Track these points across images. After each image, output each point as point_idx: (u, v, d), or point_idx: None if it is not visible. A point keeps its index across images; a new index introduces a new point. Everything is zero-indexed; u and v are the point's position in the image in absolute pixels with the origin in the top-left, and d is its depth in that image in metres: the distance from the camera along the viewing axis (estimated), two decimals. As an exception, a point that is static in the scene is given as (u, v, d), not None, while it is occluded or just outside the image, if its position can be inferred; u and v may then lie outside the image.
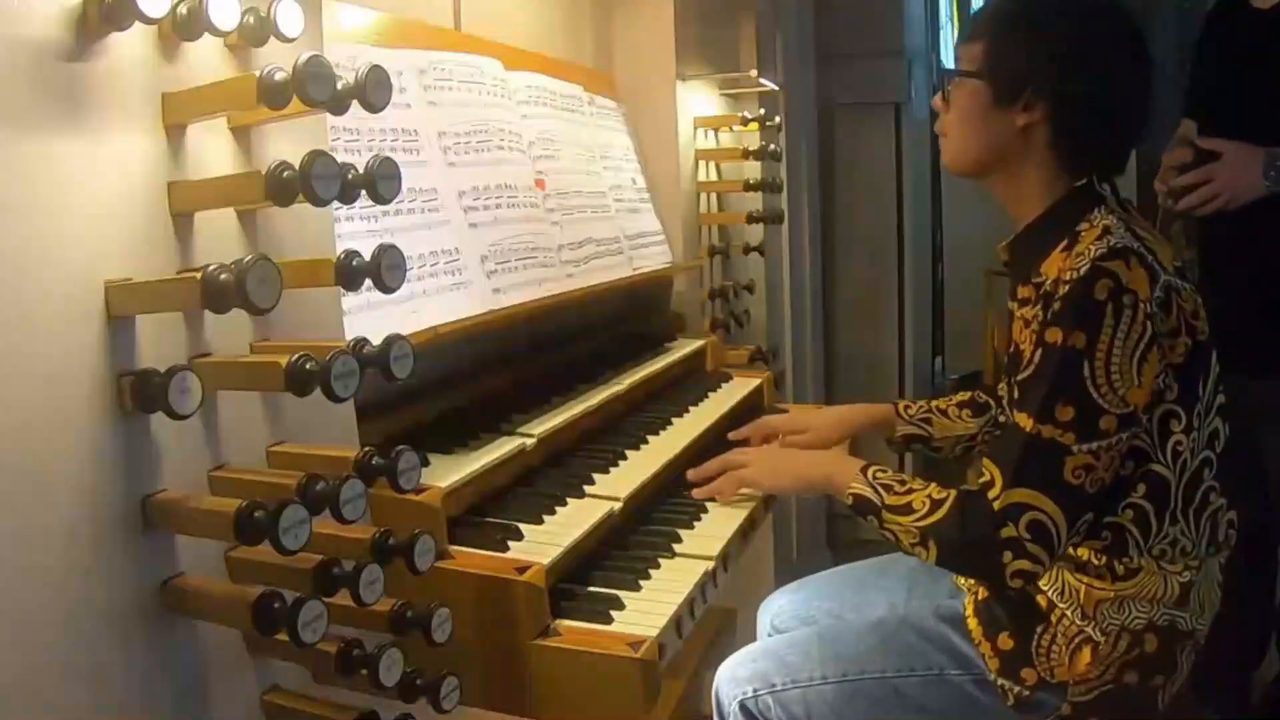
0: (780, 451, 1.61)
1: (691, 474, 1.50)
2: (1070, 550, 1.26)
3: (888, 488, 1.30)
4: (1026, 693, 1.30)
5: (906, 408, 1.69)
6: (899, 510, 1.28)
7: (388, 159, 0.87)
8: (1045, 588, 1.29)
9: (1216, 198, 1.88)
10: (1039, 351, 1.22)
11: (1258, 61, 1.96)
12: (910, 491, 1.28)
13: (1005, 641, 1.31)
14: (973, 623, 1.35)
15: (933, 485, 1.27)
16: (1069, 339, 1.18)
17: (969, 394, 1.69)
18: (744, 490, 1.47)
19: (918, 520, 1.25)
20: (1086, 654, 1.26)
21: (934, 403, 1.69)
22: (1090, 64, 1.28)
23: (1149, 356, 1.18)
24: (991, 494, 1.21)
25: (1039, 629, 1.29)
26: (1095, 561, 1.27)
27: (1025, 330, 1.31)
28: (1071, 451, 1.18)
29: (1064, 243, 1.27)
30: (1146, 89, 1.31)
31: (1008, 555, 1.19)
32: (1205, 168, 1.89)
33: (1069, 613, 1.27)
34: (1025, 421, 1.21)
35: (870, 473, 1.33)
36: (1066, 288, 1.20)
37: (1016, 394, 1.25)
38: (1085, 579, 1.27)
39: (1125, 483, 1.25)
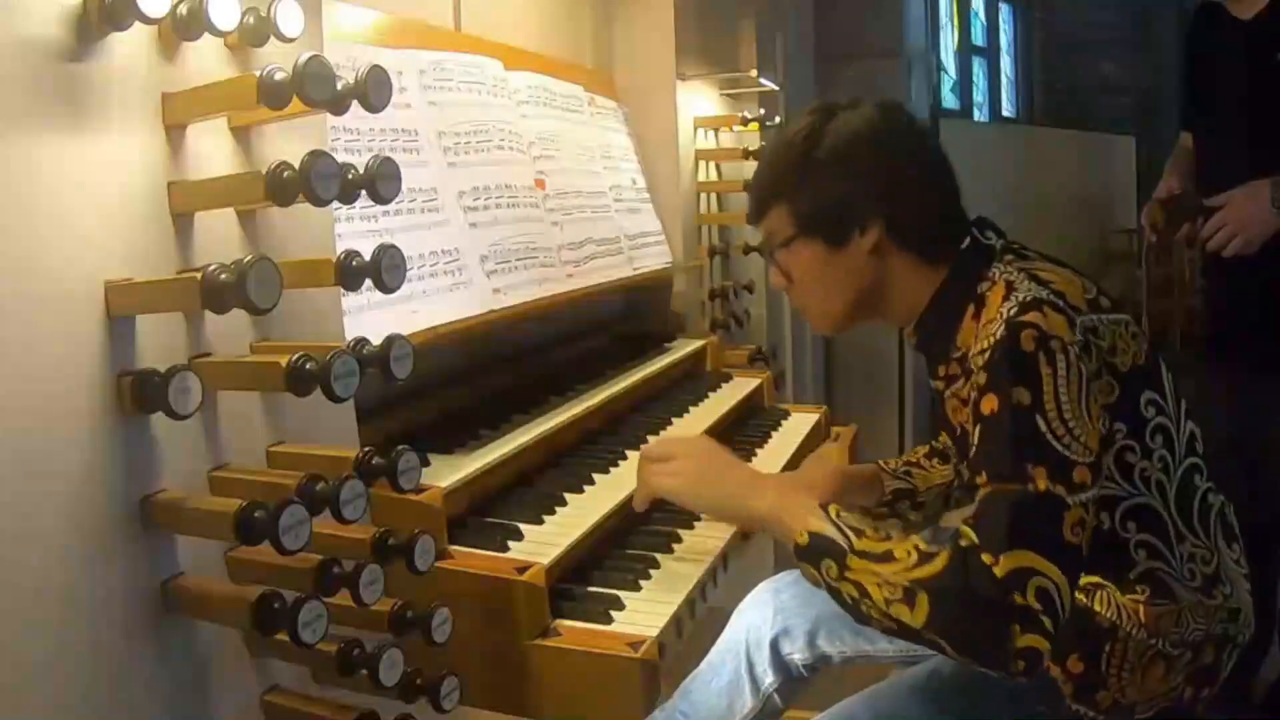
0: (715, 458, 1.26)
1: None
2: (1117, 593, 1.21)
3: (858, 531, 1.09)
4: (1101, 717, 1.22)
5: (886, 463, 1.55)
6: (875, 557, 1.06)
7: (388, 159, 0.87)
8: (1101, 609, 1.21)
9: (1233, 239, 1.89)
10: (978, 428, 1.10)
11: (1244, 72, 1.96)
12: (888, 539, 1.09)
13: (1075, 664, 1.21)
14: None
15: (915, 536, 1.09)
16: (1013, 398, 1.08)
17: (927, 446, 1.58)
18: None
19: (904, 571, 1.05)
20: (1160, 669, 1.21)
21: (904, 457, 1.58)
22: (891, 162, 1.25)
23: (1093, 399, 1.11)
24: (986, 559, 1.03)
25: (1106, 647, 1.21)
26: (1143, 596, 1.21)
27: (964, 409, 1.21)
28: (1069, 504, 1.05)
29: (970, 309, 1.21)
30: (938, 154, 1.29)
31: (1015, 628, 1.01)
32: (1219, 214, 1.91)
33: (1134, 632, 1.20)
34: (1010, 484, 1.06)
35: (833, 510, 1.12)
36: (987, 355, 1.11)
37: (974, 481, 1.11)
38: (1140, 598, 1.21)
39: (1115, 528, 1.19)
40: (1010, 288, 1.16)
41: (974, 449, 1.12)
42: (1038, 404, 1.08)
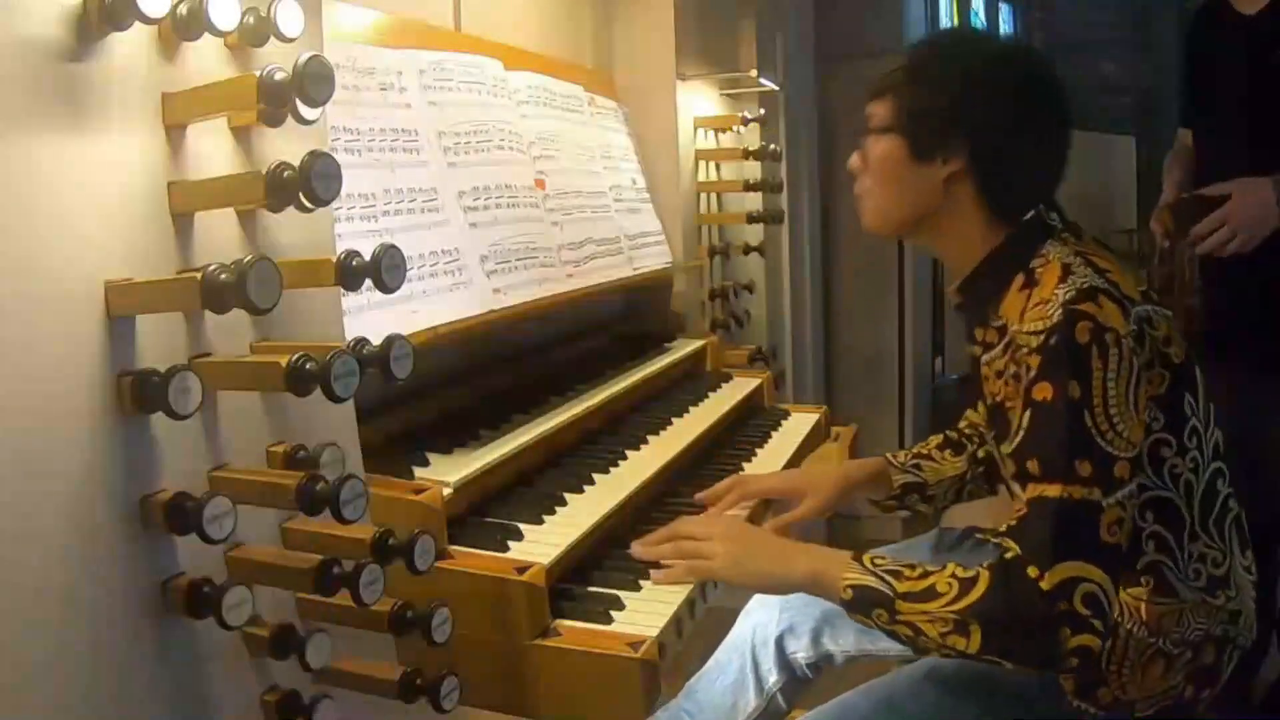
0: (748, 535, 1.31)
1: (637, 549, 1.28)
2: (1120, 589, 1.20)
3: (896, 574, 1.12)
4: (1102, 714, 1.24)
5: (895, 456, 1.57)
6: (920, 597, 1.10)
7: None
8: None
9: (1234, 238, 1.86)
10: (1028, 413, 1.14)
11: (1245, 69, 1.95)
12: (926, 575, 1.11)
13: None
14: None
15: (951, 565, 1.12)
16: (1065, 390, 1.10)
17: (940, 436, 1.59)
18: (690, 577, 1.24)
19: (950, 605, 1.08)
20: (1159, 667, 1.22)
21: (914, 449, 1.59)
22: (1001, 109, 1.24)
23: (1140, 391, 1.14)
24: (1031, 573, 1.06)
25: (1107, 645, 1.20)
26: (1145, 589, 1.22)
27: (998, 382, 1.26)
28: (1103, 507, 1.09)
29: (1020, 280, 1.22)
30: (1063, 130, 1.28)
31: (1065, 632, 1.06)
32: (1218, 212, 1.89)
33: (1135, 630, 1.21)
34: (1051, 489, 1.10)
35: (867, 560, 1.15)
36: (1041, 338, 1.14)
37: (1021, 467, 1.14)
38: (1142, 597, 1.22)
39: (1132, 515, 1.18)
40: (1067, 271, 1.17)
41: (1022, 433, 1.14)
42: (1086, 399, 1.10)
